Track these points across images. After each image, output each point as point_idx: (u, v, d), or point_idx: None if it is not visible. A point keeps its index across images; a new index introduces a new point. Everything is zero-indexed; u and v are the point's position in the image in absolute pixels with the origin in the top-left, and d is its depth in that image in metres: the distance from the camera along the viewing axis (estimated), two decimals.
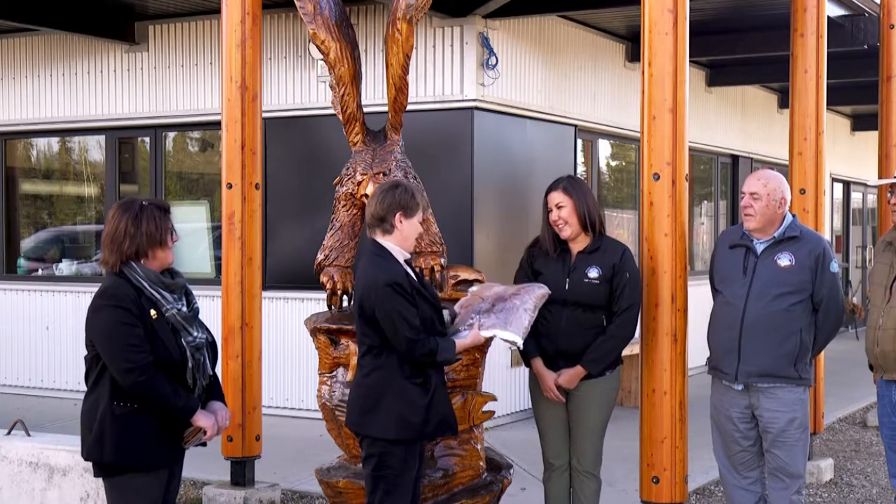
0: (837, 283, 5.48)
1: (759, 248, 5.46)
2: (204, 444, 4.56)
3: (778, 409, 5.38)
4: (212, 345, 4.59)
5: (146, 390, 4.27)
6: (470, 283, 5.81)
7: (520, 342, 4.92)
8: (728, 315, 5.40)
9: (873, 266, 5.55)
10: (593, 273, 5.42)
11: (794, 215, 5.58)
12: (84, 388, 4.49)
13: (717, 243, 5.74)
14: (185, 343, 4.39)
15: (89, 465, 4.55)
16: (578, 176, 10.87)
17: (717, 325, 5.49)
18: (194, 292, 4.68)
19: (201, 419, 4.42)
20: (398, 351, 4.66)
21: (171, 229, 4.48)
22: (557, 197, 5.47)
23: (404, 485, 4.77)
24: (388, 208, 4.79)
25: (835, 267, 5.43)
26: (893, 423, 5.09)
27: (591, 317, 5.41)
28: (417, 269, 5.73)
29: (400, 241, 4.81)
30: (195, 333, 4.44)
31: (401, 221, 4.79)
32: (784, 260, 5.39)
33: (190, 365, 4.39)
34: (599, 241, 5.51)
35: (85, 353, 4.46)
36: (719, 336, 5.47)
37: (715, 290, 5.63)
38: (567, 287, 5.41)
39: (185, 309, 4.45)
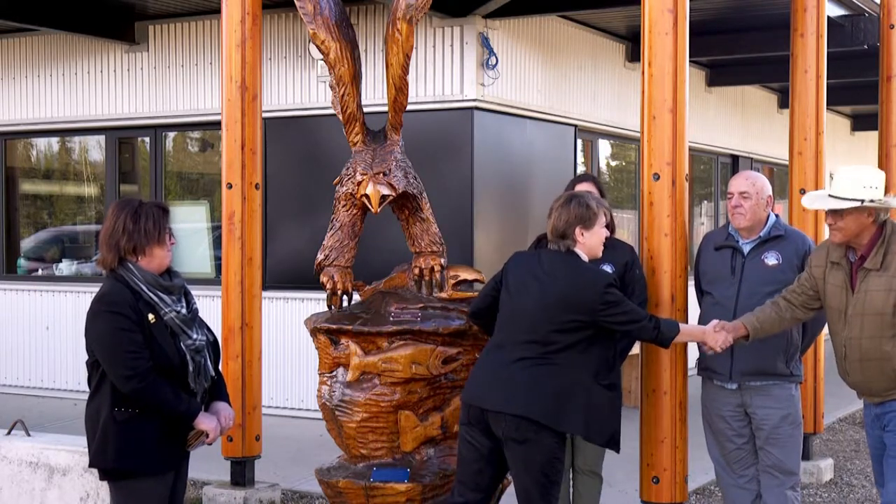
0: None
1: (746, 248, 5.47)
2: (209, 444, 4.55)
3: (770, 406, 5.39)
4: (213, 344, 4.57)
5: (146, 396, 4.25)
6: (470, 283, 5.80)
7: None
8: (718, 315, 5.37)
9: (824, 285, 5.01)
10: (608, 270, 5.40)
11: (777, 215, 5.60)
12: (84, 388, 4.48)
13: (702, 245, 5.74)
14: (184, 346, 4.36)
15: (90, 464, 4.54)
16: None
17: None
18: (194, 292, 4.66)
19: (204, 423, 4.40)
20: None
21: (169, 230, 4.45)
22: None
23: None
24: (567, 223, 4.90)
25: None
26: (875, 435, 5.08)
27: None
28: (417, 270, 5.74)
29: (587, 251, 4.95)
30: (194, 336, 4.41)
31: (582, 234, 4.90)
32: (771, 259, 5.41)
33: (190, 368, 4.37)
34: (609, 240, 5.49)
35: (85, 355, 4.44)
36: None
37: (701, 292, 5.64)
38: None
39: (184, 311, 4.41)
